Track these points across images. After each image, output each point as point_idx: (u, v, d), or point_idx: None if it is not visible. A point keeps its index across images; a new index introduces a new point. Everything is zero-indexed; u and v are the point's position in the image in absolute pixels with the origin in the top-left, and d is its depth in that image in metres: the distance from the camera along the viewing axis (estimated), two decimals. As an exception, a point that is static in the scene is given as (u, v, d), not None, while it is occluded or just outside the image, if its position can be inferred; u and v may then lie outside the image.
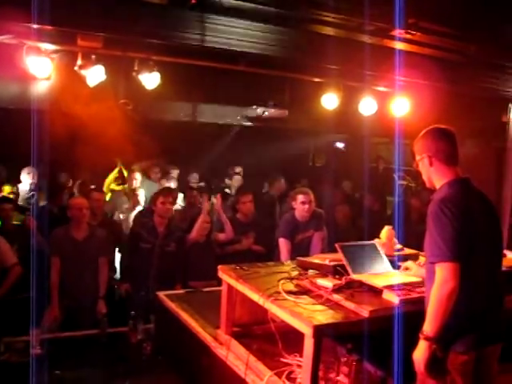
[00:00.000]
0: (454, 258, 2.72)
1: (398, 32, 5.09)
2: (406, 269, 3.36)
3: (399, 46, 5.47)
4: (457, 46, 5.56)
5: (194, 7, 4.82)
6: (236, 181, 7.88)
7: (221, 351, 3.65)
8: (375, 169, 10.76)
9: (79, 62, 5.20)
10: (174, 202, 5.94)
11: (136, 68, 5.49)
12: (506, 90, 7.30)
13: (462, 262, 2.73)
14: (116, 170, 8.03)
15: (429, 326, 2.74)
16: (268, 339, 3.50)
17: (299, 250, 5.52)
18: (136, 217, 6.44)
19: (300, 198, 5.71)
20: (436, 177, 3.03)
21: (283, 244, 5.66)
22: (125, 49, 5.25)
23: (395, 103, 6.83)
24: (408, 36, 5.18)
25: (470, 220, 2.83)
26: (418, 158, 3.10)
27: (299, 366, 3.23)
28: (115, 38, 4.98)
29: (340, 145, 12.31)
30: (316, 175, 10.31)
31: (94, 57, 5.18)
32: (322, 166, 12.15)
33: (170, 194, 5.91)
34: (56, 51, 5.22)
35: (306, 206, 5.68)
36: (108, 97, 5.94)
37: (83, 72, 5.25)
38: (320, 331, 2.77)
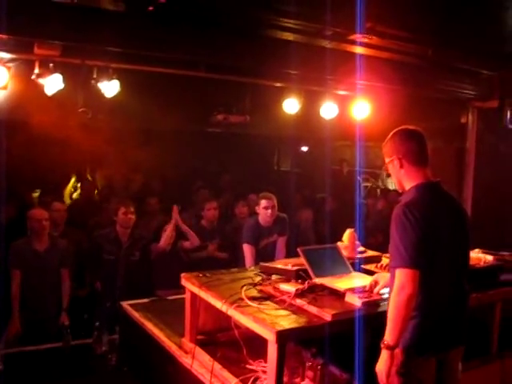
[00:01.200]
0: (413, 265, 2.70)
1: (356, 36, 5.13)
2: (375, 282, 3.33)
3: (358, 50, 5.54)
4: (414, 50, 5.64)
5: (153, 15, 4.79)
6: (201, 194, 7.81)
7: (185, 360, 3.61)
8: (339, 171, 10.85)
9: (36, 70, 5.11)
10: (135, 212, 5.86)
11: (95, 76, 5.43)
12: (463, 92, 7.45)
13: (422, 269, 2.71)
14: (72, 180, 7.92)
15: (389, 335, 2.73)
16: (233, 346, 3.48)
17: (264, 255, 5.51)
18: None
19: (263, 203, 5.71)
20: (406, 179, 3.00)
21: (247, 250, 5.66)
22: (83, 57, 5.18)
23: (356, 107, 6.90)
24: (366, 40, 5.23)
25: (435, 225, 2.81)
26: (387, 160, 3.07)
27: (264, 372, 3.21)
28: (73, 46, 4.93)
29: (304, 148, 12.38)
30: (281, 179, 10.34)
31: (51, 65, 5.10)
32: (287, 171, 12.19)
33: (131, 203, 5.85)
34: (12, 60, 5.12)
35: (269, 211, 5.69)
36: (67, 105, 5.85)
37: (41, 81, 5.16)
38: (283, 337, 2.77)
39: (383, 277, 3.24)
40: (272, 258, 5.35)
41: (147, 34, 4.88)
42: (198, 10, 4.85)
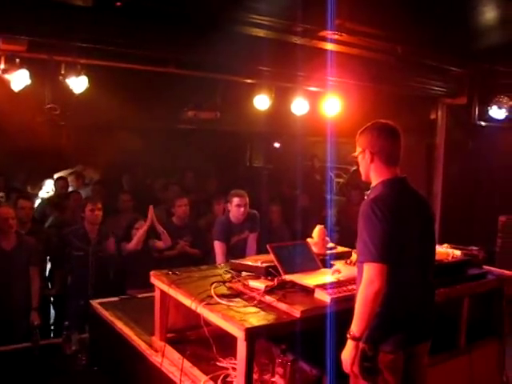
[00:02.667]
0: (381, 259, 2.72)
1: (326, 33, 5.14)
2: (337, 271, 3.36)
3: (328, 46, 5.55)
4: (384, 47, 5.68)
5: (121, 10, 4.74)
6: (171, 191, 7.76)
7: (155, 358, 3.59)
8: (311, 167, 10.88)
9: (2, 66, 5.01)
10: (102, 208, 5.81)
11: (63, 72, 5.35)
12: (433, 89, 7.53)
13: (389, 263, 2.73)
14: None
15: (355, 326, 2.75)
16: (203, 344, 3.45)
17: (235, 251, 5.53)
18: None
19: (235, 200, 5.69)
20: (374, 174, 3.00)
21: (218, 247, 5.64)
22: (50, 52, 5.10)
23: (326, 103, 6.92)
24: (336, 37, 5.25)
25: (402, 221, 2.82)
26: (359, 149, 3.04)
27: (234, 370, 3.21)
28: (40, 42, 4.84)
29: (277, 145, 12.40)
30: (253, 175, 10.35)
31: (18, 60, 5.00)
32: (260, 167, 12.20)
33: (98, 200, 5.80)
34: (-23, 55, 5.02)
35: (242, 209, 5.68)
36: (34, 102, 5.76)
37: (7, 76, 5.06)
38: (252, 334, 2.76)
39: (343, 267, 3.32)
40: (243, 255, 5.34)
41: (115, 30, 4.82)
42: (167, 6, 4.81)
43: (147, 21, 4.91)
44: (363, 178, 3.11)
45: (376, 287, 2.70)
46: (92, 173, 8.53)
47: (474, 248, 4.50)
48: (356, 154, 3.08)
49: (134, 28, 4.90)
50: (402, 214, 2.85)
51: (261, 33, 5.17)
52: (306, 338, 3.18)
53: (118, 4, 4.52)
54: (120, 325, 4.11)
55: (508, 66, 6.28)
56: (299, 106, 6.95)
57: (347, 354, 2.80)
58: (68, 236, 5.70)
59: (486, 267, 4.36)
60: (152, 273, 3.76)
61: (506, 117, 7.48)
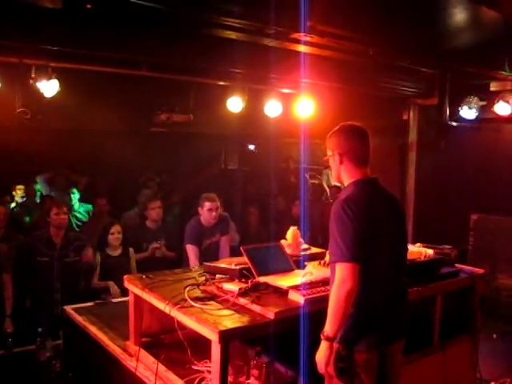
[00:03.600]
0: (352, 259, 2.74)
1: (297, 35, 5.15)
2: (309, 273, 3.37)
3: (301, 48, 5.56)
4: (355, 49, 5.70)
5: (91, 13, 4.69)
6: (143, 195, 7.72)
7: (130, 363, 3.56)
8: (285, 169, 10.91)
9: (-29, 70, 4.95)
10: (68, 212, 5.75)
11: (33, 75, 5.28)
12: (404, 90, 7.60)
13: (361, 263, 2.75)
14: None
15: (329, 327, 2.77)
16: (178, 347, 3.44)
17: (207, 254, 5.51)
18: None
19: (207, 205, 5.64)
20: (344, 175, 3.03)
21: (190, 250, 5.61)
22: (20, 55, 5.03)
23: (300, 104, 6.94)
24: (308, 39, 5.26)
25: (373, 220, 2.86)
26: (329, 153, 3.09)
27: (210, 373, 3.20)
28: (9, 44, 4.77)
29: (251, 147, 12.41)
30: (228, 178, 10.35)
31: (-14, 65, 4.95)
32: (235, 169, 12.20)
33: (63, 204, 5.73)
34: None
35: (213, 214, 5.65)
36: (4, 106, 5.68)
37: (-24, 81, 5.00)
38: (226, 336, 2.76)
39: (314, 269, 3.34)
40: (216, 258, 5.31)
41: (86, 33, 4.77)
42: (139, 9, 4.77)
43: (118, 23, 4.87)
44: (335, 179, 3.16)
45: (348, 287, 2.72)
46: (66, 177, 8.42)
47: (447, 247, 4.56)
48: (326, 156, 3.13)
49: (104, 31, 4.85)
50: (373, 213, 2.88)
51: (233, 35, 5.15)
52: (281, 339, 3.19)
53: (88, 6, 4.47)
54: (94, 330, 4.07)
55: (477, 67, 6.37)
56: (272, 108, 6.98)
57: (321, 354, 2.82)
58: (32, 241, 5.59)
59: (458, 265, 4.43)
60: (126, 277, 3.74)
61: (477, 117, 7.58)
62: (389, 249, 2.95)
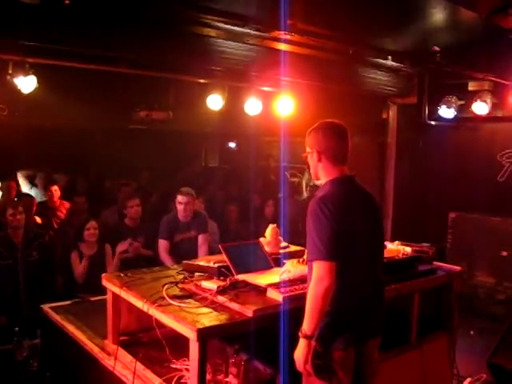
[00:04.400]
0: (329, 257, 2.74)
1: (278, 33, 5.16)
2: (287, 271, 3.39)
3: (281, 46, 5.56)
4: (335, 47, 5.72)
5: (70, 8, 4.64)
6: (122, 193, 7.68)
7: (108, 362, 3.55)
8: (266, 167, 10.91)
9: None
10: (29, 210, 5.70)
11: (10, 71, 5.21)
12: (384, 89, 7.64)
13: (338, 261, 2.76)
14: None
15: (306, 325, 2.77)
16: (156, 346, 3.44)
17: (179, 250, 5.67)
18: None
19: (178, 198, 5.75)
20: (322, 173, 3.04)
21: (161, 245, 5.73)
22: (-3, 51, 4.97)
23: (280, 103, 6.95)
24: (288, 37, 5.27)
25: (350, 219, 2.86)
26: (308, 150, 3.08)
27: (188, 371, 3.19)
28: (-15, 40, 4.71)
29: (232, 144, 12.39)
30: (208, 176, 10.33)
31: (-38, 60, 4.87)
32: (215, 167, 12.18)
33: (19, 204, 5.68)
34: None
35: (182, 207, 5.72)
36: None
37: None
38: (204, 334, 2.77)
39: (292, 267, 3.34)
40: (188, 254, 5.27)
41: (64, 29, 4.71)
42: (118, 5, 4.74)
43: (97, 19, 4.82)
44: (313, 177, 3.16)
45: (326, 284, 2.73)
46: (47, 174, 8.33)
47: (425, 244, 4.60)
48: (305, 154, 3.13)
49: (83, 26, 4.79)
50: (350, 211, 2.89)
51: (213, 33, 5.15)
52: (259, 337, 3.20)
53: (67, 2, 4.42)
54: (72, 329, 4.05)
55: (455, 67, 6.43)
56: (252, 106, 6.97)
57: (300, 352, 2.82)
58: None
59: (436, 263, 4.47)
60: (104, 275, 3.73)
61: (455, 116, 7.65)
62: (366, 247, 2.96)
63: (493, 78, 6.83)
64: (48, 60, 5.25)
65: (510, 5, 3.84)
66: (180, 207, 5.75)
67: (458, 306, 4.68)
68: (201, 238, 5.85)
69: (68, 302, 4.71)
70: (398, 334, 4.07)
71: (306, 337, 2.78)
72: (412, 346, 4.17)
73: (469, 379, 5.20)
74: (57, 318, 4.29)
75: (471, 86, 7.27)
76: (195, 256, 5.53)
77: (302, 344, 2.80)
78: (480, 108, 7.20)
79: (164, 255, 5.70)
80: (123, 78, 6.08)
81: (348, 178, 3.04)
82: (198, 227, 5.88)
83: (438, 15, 5.02)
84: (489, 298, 7.34)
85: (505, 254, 7.13)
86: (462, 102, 7.61)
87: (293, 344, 2.91)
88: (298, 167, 11.50)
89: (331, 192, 2.92)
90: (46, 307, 4.51)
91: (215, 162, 12.38)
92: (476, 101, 7.18)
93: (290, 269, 3.41)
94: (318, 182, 3.18)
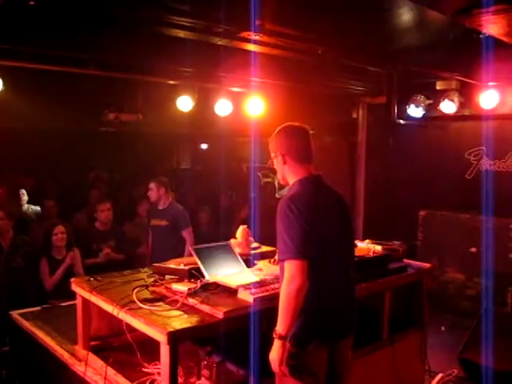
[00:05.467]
0: (300, 256, 2.75)
1: (246, 34, 5.15)
2: (259, 270, 3.41)
3: (250, 47, 5.56)
4: (304, 48, 5.73)
5: (35, 9, 4.57)
6: (93, 196, 7.61)
7: (79, 367, 3.49)
8: (237, 168, 10.90)
9: None
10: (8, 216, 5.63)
11: (-26, 74, 5.12)
12: (353, 88, 7.70)
13: (309, 259, 2.77)
14: None
15: (280, 325, 2.78)
16: (128, 350, 3.38)
17: (154, 234, 6.37)
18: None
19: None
20: (289, 174, 3.06)
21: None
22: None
23: (250, 103, 6.94)
24: (257, 38, 5.27)
25: (319, 218, 2.88)
26: (272, 155, 3.12)
27: (160, 374, 3.17)
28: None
29: (204, 146, 12.35)
30: (180, 177, 10.28)
31: None
32: (187, 168, 12.13)
33: (2, 208, 5.60)
34: None
35: (149, 193, 6.36)
36: None
37: None
38: (175, 337, 2.74)
39: (264, 266, 3.33)
40: (160, 241, 6.16)
41: (30, 30, 4.64)
42: (85, 5, 4.68)
43: (64, 20, 4.75)
44: (281, 181, 3.19)
45: (297, 284, 2.73)
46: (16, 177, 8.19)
47: (396, 243, 4.64)
48: (270, 160, 3.17)
49: (49, 28, 4.73)
50: (319, 210, 2.91)
51: (181, 33, 5.11)
52: (232, 338, 3.19)
53: (32, 3, 4.35)
54: (42, 335, 3.97)
55: (422, 67, 6.50)
56: (223, 107, 6.95)
57: (275, 354, 2.82)
58: None
59: (406, 261, 4.51)
60: (73, 280, 3.68)
61: (423, 115, 7.76)
62: (336, 246, 2.98)
63: (460, 78, 6.93)
64: (14, 62, 5.15)
65: (474, 5, 3.88)
66: (149, 193, 6.40)
67: (429, 303, 4.74)
68: (184, 234, 6.31)
69: (38, 308, 4.63)
70: (370, 332, 4.09)
71: (281, 337, 2.78)
72: (384, 343, 4.20)
73: (440, 374, 5.27)
74: (26, 324, 4.21)
75: (439, 86, 7.37)
76: (165, 244, 6.06)
77: (276, 345, 2.80)
78: (448, 107, 7.31)
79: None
80: (92, 80, 6.00)
81: (315, 177, 3.07)
82: (170, 219, 6.25)
83: (406, 16, 5.07)
84: (459, 293, 7.45)
85: (474, 250, 7.24)
86: (430, 102, 7.71)
87: (265, 345, 2.92)
88: (271, 168, 11.52)
89: (300, 191, 2.94)
90: (15, 314, 4.42)
91: (187, 164, 12.33)
92: (444, 100, 7.29)
93: (263, 269, 3.41)
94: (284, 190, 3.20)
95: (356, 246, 3.85)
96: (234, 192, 8.73)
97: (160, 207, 6.37)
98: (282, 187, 10.50)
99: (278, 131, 3.12)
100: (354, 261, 3.24)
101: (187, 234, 6.34)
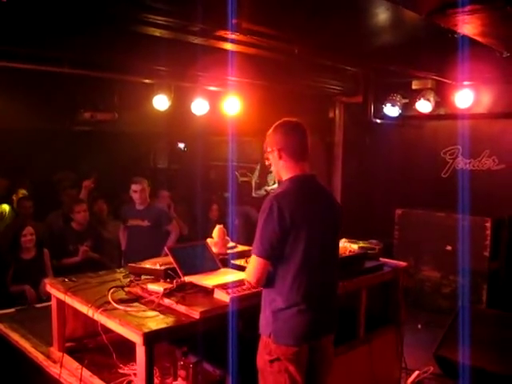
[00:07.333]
0: (263, 255, 2.87)
1: (223, 33, 5.14)
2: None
3: (226, 46, 5.55)
4: (281, 47, 5.74)
5: (8, 6, 4.50)
6: (67, 195, 7.53)
7: (54, 370, 3.45)
8: (216, 167, 10.86)
9: None
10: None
11: None
12: (330, 88, 7.74)
13: (273, 260, 2.89)
14: None
15: None
16: (103, 351, 3.35)
17: (131, 234, 6.28)
18: None
19: (132, 187, 6.24)
20: (283, 170, 3.08)
21: (120, 228, 6.54)
22: None
23: (227, 102, 6.93)
24: (233, 37, 5.26)
25: (304, 215, 2.92)
26: (268, 150, 3.13)
27: (136, 376, 3.15)
28: None
29: (181, 145, 12.29)
30: (157, 177, 10.22)
31: None
32: (164, 168, 12.06)
33: None
34: None
35: (137, 195, 6.19)
36: None
37: None
38: (150, 338, 2.72)
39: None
40: (138, 241, 6.06)
41: (1, 28, 4.57)
42: (60, 3, 4.62)
43: (38, 18, 4.69)
44: (276, 177, 3.23)
45: (255, 278, 2.91)
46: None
47: (373, 241, 4.68)
48: (266, 154, 3.18)
49: (22, 26, 4.66)
50: (304, 208, 2.95)
51: (156, 32, 5.08)
52: (208, 338, 3.18)
53: (4, 0, 4.29)
54: (16, 337, 3.91)
55: (398, 66, 6.55)
56: (199, 106, 6.94)
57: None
58: None
59: (382, 259, 4.54)
60: (47, 281, 3.65)
61: (400, 114, 7.82)
62: (320, 243, 3.00)
63: (435, 77, 7.01)
64: (-15, 60, 5.08)
65: (449, 5, 3.92)
66: (135, 195, 6.19)
67: (406, 301, 4.78)
68: (169, 228, 6.37)
69: (12, 310, 4.56)
70: (347, 331, 4.10)
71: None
72: (360, 341, 4.22)
73: (417, 372, 5.32)
74: (0, 326, 4.15)
75: (415, 85, 7.44)
76: (144, 243, 5.93)
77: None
78: (423, 106, 7.38)
79: (120, 236, 6.50)
80: (66, 78, 5.94)
81: (307, 176, 3.09)
82: (152, 218, 6.20)
83: (382, 15, 5.10)
84: (435, 291, 7.53)
85: (449, 248, 7.32)
86: (406, 101, 7.79)
87: (241, 344, 2.92)
88: (247, 166, 11.52)
89: (287, 189, 2.98)
90: (-12, 315, 4.37)
91: (164, 163, 12.26)
92: (419, 99, 7.36)
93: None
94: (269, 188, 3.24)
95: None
96: (210, 191, 8.67)
97: (139, 207, 6.24)
98: (259, 186, 10.56)
99: (275, 126, 3.12)
100: (337, 260, 3.26)
101: (173, 228, 6.38)
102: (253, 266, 2.91)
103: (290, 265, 2.89)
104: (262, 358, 2.95)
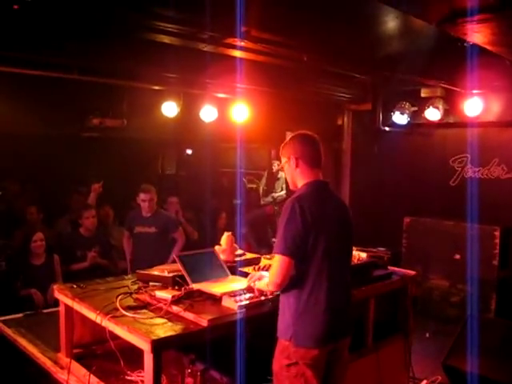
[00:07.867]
0: (287, 253, 2.92)
1: (232, 40, 5.16)
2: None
3: (236, 53, 5.57)
4: (290, 55, 5.75)
5: (19, 14, 4.53)
6: (75, 201, 7.55)
7: (61, 376, 3.45)
8: (224, 174, 10.86)
9: None
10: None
11: (-43, 78, 5.06)
12: (339, 95, 7.73)
13: (295, 259, 2.93)
14: None
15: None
16: (111, 358, 3.36)
17: (137, 241, 6.21)
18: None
19: (141, 196, 6.18)
20: (299, 177, 3.21)
21: (124, 235, 6.45)
22: None
23: (235, 109, 6.94)
24: (242, 44, 5.28)
25: (320, 218, 3.03)
26: (283, 160, 3.29)
27: (144, 382, 3.14)
28: None
29: (189, 151, 12.32)
30: (165, 183, 10.23)
31: None
32: (172, 174, 12.08)
33: None
34: None
35: (146, 204, 6.15)
36: None
37: None
38: (158, 346, 2.72)
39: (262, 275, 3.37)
40: (145, 248, 5.99)
41: (13, 35, 4.60)
42: (70, 11, 4.65)
43: (48, 25, 4.72)
44: (291, 186, 3.36)
45: (280, 278, 2.95)
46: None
47: (381, 249, 4.67)
48: (282, 164, 3.35)
49: (33, 32, 4.69)
50: (321, 212, 3.06)
51: (166, 39, 5.11)
52: (216, 346, 3.17)
53: (16, 7, 4.32)
54: (24, 342, 3.92)
55: (407, 74, 6.54)
56: (208, 113, 6.94)
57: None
58: None
59: (391, 268, 4.53)
60: (55, 287, 3.66)
61: (408, 122, 7.80)
62: (335, 249, 3.09)
63: (444, 85, 6.98)
64: (-2, 66, 5.11)
65: (459, 14, 3.91)
66: (144, 204, 6.15)
67: (414, 310, 4.76)
68: (176, 235, 6.35)
69: (20, 315, 4.57)
70: (355, 339, 4.07)
71: None
72: (368, 350, 4.21)
73: (424, 381, 5.28)
74: (8, 331, 4.15)
75: (424, 93, 7.42)
76: (152, 250, 5.93)
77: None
78: (432, 114, 7.36)
79: (125, 244, 6.40)
80: (76, 85, 5.96)
81: (322, 182, 3.24)
82: (159, 225, 6.18)
83: (391, 23, 5.10)
84: (443, 300, 7.48)
85: (458, 256, 7.28)
86: (415, 109, 7.76)
87: (249, 352, 2.92)
88: (255, 173, 11.53)
89: (306, 192, 3.12)
90: (-3, 321, 4.38)
91: (172, 170, 12.29)
92: (428, 107, 7.34)
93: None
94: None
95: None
96: (217, 197, 8.66)
97: (145, 214, 6.18)
98: (266, 193, 10.56)
99: (292, 137, 3.30)
100: (349, 265, 3.37)
101: (179, 235, 6.37)
102: (277, 265, 2.97)
103: (310, 267, 2.98)
104: (278, 362, 3.01)
